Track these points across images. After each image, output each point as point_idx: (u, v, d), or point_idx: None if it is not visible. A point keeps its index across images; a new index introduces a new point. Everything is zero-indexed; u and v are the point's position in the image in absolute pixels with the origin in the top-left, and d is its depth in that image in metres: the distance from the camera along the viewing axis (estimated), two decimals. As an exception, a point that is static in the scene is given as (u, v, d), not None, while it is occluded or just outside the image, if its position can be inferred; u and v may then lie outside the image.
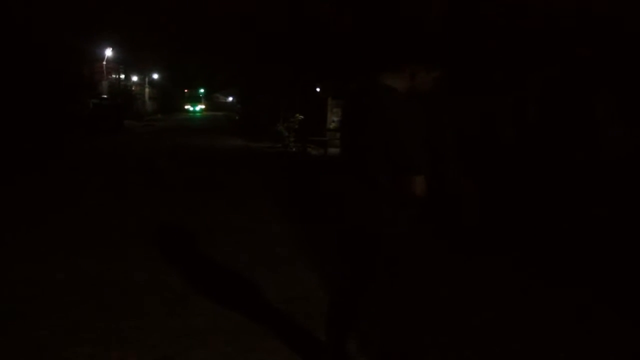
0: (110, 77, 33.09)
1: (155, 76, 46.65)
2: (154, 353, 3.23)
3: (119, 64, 34.44)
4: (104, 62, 30.76)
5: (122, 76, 36.65)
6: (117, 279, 4.51)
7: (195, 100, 60.21)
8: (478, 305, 4.11)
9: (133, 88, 39.99)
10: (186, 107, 58.55)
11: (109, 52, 30.77)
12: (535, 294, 4.39)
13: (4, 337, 3.40)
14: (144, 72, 42.65)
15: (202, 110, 59.10)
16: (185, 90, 60.71)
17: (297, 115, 17.83)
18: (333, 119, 17.68)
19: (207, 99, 65.37)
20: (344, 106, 2.78)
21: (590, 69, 6.19)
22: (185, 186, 9.62)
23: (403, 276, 2.64)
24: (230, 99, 58.82)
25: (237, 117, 34.42)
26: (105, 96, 27.75)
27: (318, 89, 19.88)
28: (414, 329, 2.77)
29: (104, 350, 3.25)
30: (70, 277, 4.52)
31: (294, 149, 17.50)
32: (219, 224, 6.66)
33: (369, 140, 2.53)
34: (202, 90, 63.54)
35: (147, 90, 44.45)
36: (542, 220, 6.11)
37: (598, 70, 6.13)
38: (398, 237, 2.57)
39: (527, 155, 6.94)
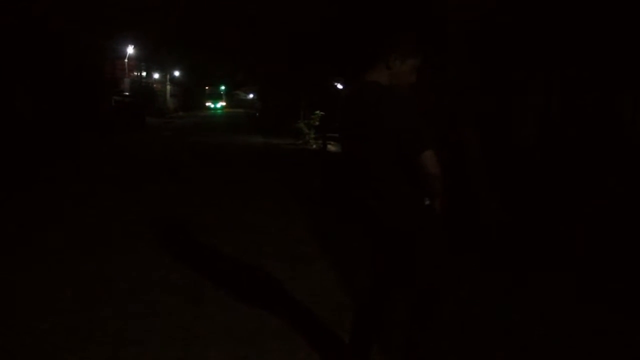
0: (132, 74, 33.34)
1: (177, 73, 46.90)
2: (167, 354, 3.21)
3: (140, 61, 34.68)
4: (126, 60, 30.99)
5: (144, 74, 36.93)
6: (130, 277, 4.50)
7: (216, 98, 60.40)
8: (493, 311, 4.05)
9: (154, 85, 40.26)
10: (207, 104, 58.80)
11: (130, 50, 30.99)
12: (544, 298, 4.30)
13: (9, 335, 3.41)
14: (165, 70, 42.89)
15: (222, 107, 59.27)
16: (206, 88, 60.97)
17: (317, 111, 17.74)
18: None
19: (228, 96, 65.55)
20: (340, 109, 2.75)
21: (612, 66, 6.04)
22: (204, 184, 9.66)
23: (421, 270, 2.64)
24: (251, 95, 58.90)
25: (257, 114, 34.52)
26: (127, 93, 27.98)
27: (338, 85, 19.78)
28: (431, 331, 2.75)
29: (116, 352, 3.22)
30: (79, 276, 4.53)
31: (314, 146, 17.46)
32: (237, 222, 6.66)
33: (368, 139, 2.54)
34: (222, 88, 63.74)
35: (168, 87, 44.67)
36: (568, 222, 5.98)
37: (620, 67, 5.99)
38: (414, 229, 2.57)
39: (549, 156, 6.81)
